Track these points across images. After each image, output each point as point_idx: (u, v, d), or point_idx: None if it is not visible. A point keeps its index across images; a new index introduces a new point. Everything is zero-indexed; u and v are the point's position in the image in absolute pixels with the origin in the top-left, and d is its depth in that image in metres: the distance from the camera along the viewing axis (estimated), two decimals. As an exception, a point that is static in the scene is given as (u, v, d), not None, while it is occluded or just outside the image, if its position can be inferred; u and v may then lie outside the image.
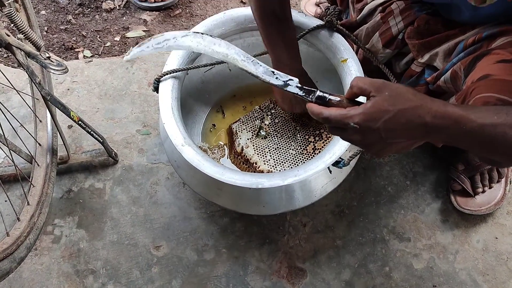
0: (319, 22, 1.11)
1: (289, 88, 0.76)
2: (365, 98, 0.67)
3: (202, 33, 0.84)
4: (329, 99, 0.71)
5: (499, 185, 1.26)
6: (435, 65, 1.02)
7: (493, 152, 0.68)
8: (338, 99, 0.71)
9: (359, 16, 1.14)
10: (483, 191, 1.24)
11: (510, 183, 1.28)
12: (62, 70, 0.87)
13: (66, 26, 1.68)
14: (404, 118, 0.64)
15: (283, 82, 0.77)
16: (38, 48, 0.90)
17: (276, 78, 0.78)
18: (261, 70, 0.80)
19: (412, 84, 1.09)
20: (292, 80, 0.76)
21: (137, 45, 0.85)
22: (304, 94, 0.74)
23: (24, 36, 0.89)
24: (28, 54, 0.88)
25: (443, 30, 1.00)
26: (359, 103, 0.68)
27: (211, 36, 0.84)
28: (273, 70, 0.79)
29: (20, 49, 0.87)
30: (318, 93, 0.72)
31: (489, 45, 0.87)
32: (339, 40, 1.09)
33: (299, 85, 0.75)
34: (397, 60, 1.14)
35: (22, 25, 0.87)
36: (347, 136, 0.69)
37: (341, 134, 0.70)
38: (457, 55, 0.93)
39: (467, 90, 0.83)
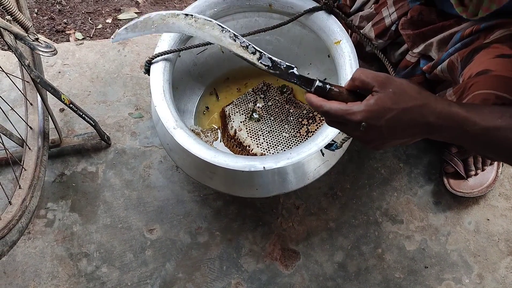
0: (314, 4, 1.09)
1: (287, 77, 0.74)
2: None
3: (192, 15, 0.82)
4: (329, 90, 0.68)
5: (492, 168, 1.26)
6: (430, 55, 1.01)
7: (495, 154, 0.68)
8: (338, 90, 0.68)
9: (352, 9, 1.13)
10: (476, 174, 1.25)
11: (502, 166, 1.28)
12: (51, 52, 0.86)
13: (56, 8, 1.65)
14: (408, 117, 0.62)
15: (281, 71, 0.74)
16: (26, 30, 0.88)
17: (274, 66, 0.75)
18: (257, 56, 0.76)
19: (408, 75, 1.08)
20: (291, 68, 0.74)
21: (123, 27, 0.82)
22: (302, 83, 0.71)
23: (12, 17, 0.87)
24: (16, 36, 0.86)
25: (437, 21, 0.98)
26: (359, 95, 0.66)
27: (204, 17, 0.81)
28: (270, 56, 0.76)
29: (8, 30, 0.85)
30: (318, 83, 0.69)
31: (486, 36, 0.86)
32: (333, 22, 1.07)
33: (297, 73, 0.73)
34: (392, 50, 1.13)
35: (10, 6, 0.85)
36: (348, 131, 0.67)
37: (341, 128, 0.68)
38: (454, 45, 0.91)
39: (466, 85, 0.82)
